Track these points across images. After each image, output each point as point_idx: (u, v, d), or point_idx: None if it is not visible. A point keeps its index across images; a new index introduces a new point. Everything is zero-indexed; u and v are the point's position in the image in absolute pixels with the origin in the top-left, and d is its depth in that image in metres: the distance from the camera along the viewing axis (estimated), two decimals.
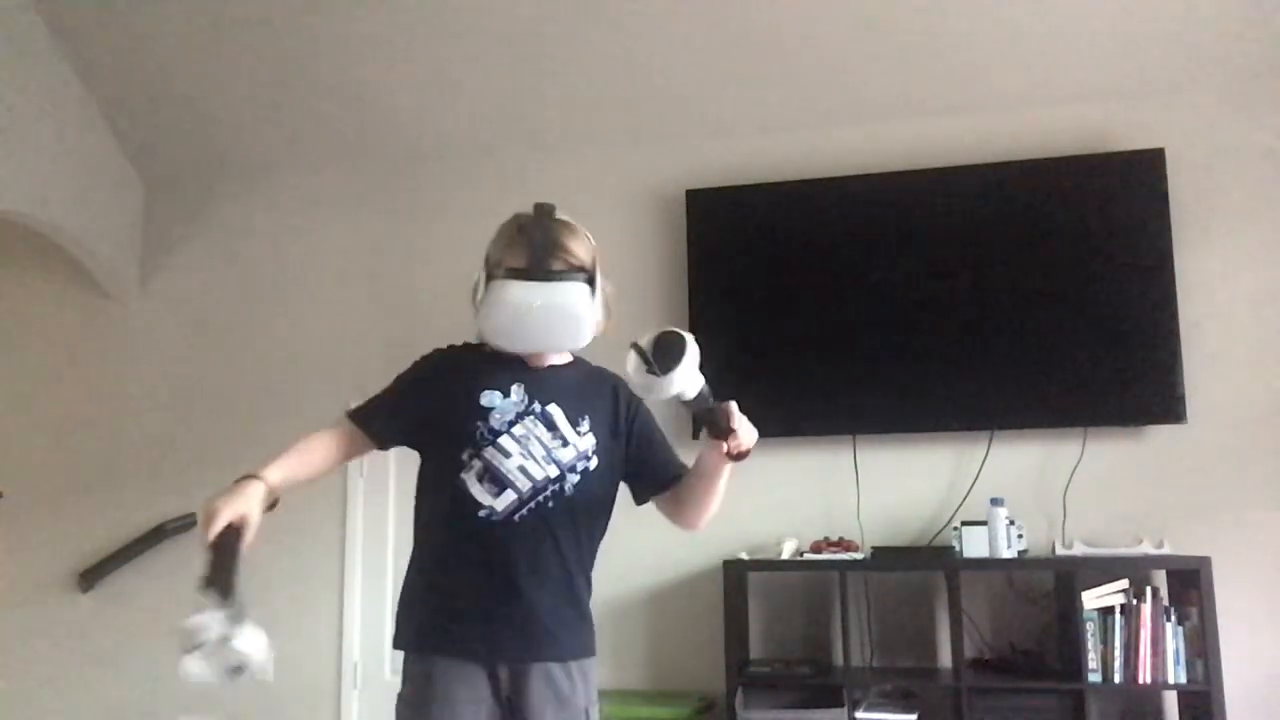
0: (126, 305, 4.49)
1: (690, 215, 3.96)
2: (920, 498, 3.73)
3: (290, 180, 4.46)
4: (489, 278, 1.83)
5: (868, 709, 3.35)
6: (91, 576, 4.22)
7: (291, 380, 4.29)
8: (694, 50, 3.77)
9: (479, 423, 1.81)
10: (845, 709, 3.29)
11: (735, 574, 3.52)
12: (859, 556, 3.51)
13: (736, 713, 3.31)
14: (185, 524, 4.22)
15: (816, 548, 3.56)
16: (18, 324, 4.56)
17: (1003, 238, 3.72)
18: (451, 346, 1.96)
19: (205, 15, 3.80)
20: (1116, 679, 3.18)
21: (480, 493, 1.78)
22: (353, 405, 1.93)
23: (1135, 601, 3.22)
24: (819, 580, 3.71)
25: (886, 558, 3.51)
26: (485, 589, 1.77)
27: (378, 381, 4.60)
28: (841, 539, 3.60)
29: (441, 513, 1.82)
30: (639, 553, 3.61)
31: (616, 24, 3.70)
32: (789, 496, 3.80)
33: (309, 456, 1.80)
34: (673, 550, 3.80)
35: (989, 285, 3.70)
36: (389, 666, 4.01)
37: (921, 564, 3.58)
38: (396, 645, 1.83)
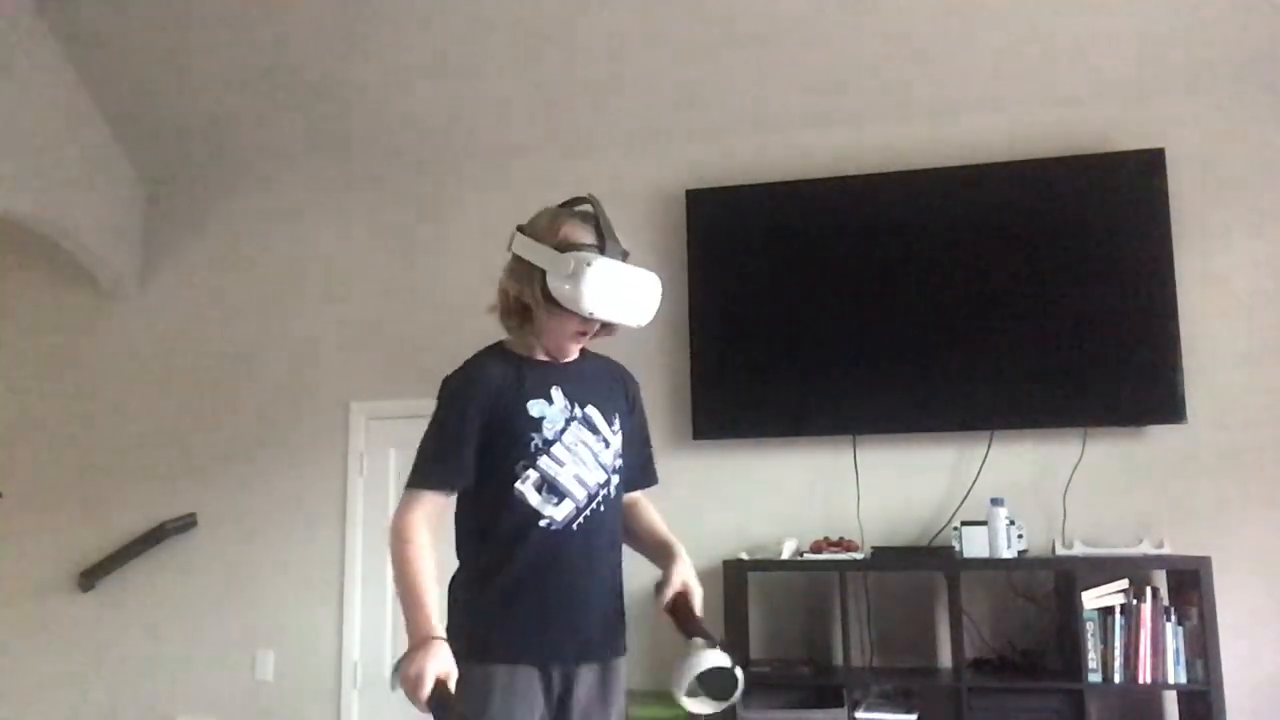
0: (126, 305, 4.49)
1: (690, 215, 3.96)
2: (920, 498, 3.73)
3: (290, 181, 4.46)
4: (559, 252, 1.79)
5: (868, 709, 3.35)
6: (91, 576, 4.22)
7: (291, 380, 4.30)
8: (694, 50, 3.77)
9: (532, 434, 1.82)
10: (845, 709, 3.29)
11: (735, 574, 3.52)
12: (859, 556, 3.51)
13: (737, 713, 3.31)
14: (185, 524, 4.22)
15: (816, 548, 3.56)
16: (18, 324, 4.56)
17: (1003, 238, 3.73)
18: (476, 362, 1.89)
19: (206, 16, 3.80)
20: (1116, 679, 3.19)
21: (540, 503, 1.79)
22: (414, 475, 1.82)
23: (1135, 601, 3.22)
24: (819, 580, 3.71)
25: (886, 558, 3.51)
26: (546, 596, 1.79)
27: (377, 382, 4.54)
28: (841, 539, 3.61)
29: (500, 523, 1.80)
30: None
31: (616, 25, 3.70)
32: (789, 496, 3.81)
33: (430, 567, 1.74)
34: None
35: (989, 285, 3.70)
36: (389, 666, 4.01)
37: (921, 564, 3.58)
38: (461, 658, 1.72)
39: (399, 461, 4.13)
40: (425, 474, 1.81)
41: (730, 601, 3.47)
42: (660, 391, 3.91)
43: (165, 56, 3.99)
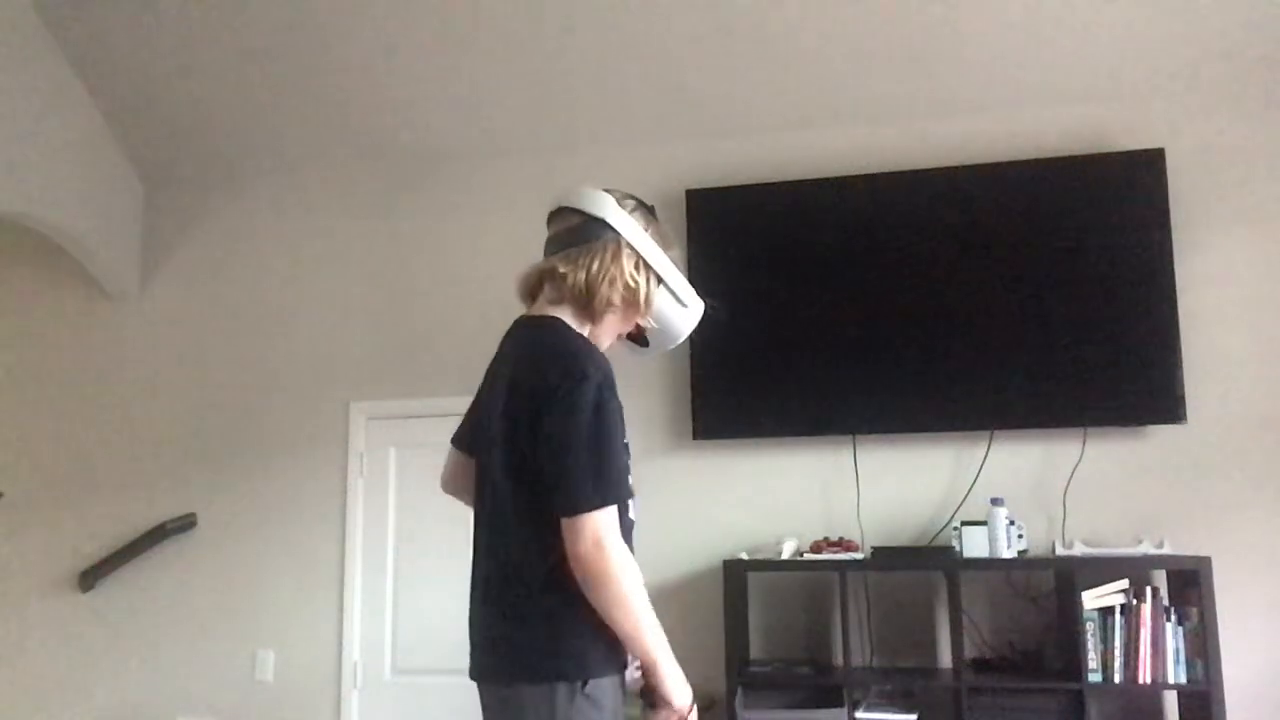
0: (126, 305, 4.49)
1: (690, 215, 3.96)
2: (920, 498, 3.73)
3: (289, 181, 4.46)
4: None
5: (868, 709, 3.35)
6: (91, 576, 4.22)
7: (291, 380, 4.30)
8: (695, 50, 3.77)
9: (627, 439, 1.76)
10: (845, 709, 3.29)
11: (735, 574, 3.52)
12: (859, 556, 3.51)
13: (736, 713, 3.32)
14: (185, 524, 4.22)
15: (816, 548, 3.56)
16: (18, 324, 4.56)
17: (1003, 238, 3.72)
18: (604, 360, 1.72)
19: (205, 16, 3.81)
20: (1116, 679, 3.19)
21: (630, 508, 1.76)
22: (600, 490, 1.64)
23: (1135, 601, 3.22)
24: (819, 580, 3.71)
25: (886, 558, 3.51)
26: None
27: (377, 382, 4.54)
28: (841, 539, 3.61)
29: None
30: (639, 553, 3.59)
31: (616, 25, 3.70)
32: (789, 496, 3.81)
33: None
34: (673, 550, 3.81)
35: (989, 285, 3.70)
36: (389, 666, 4.02)
37: (921, 564, 3.58)
38: (587, 674, 1.67)
39: (399, 461, 4.14)
40: (611, 488, 1.64)
41: (730, 601, 3.47)
42: (660, 392, 3.91)
43: (165, 56, 3.99)
